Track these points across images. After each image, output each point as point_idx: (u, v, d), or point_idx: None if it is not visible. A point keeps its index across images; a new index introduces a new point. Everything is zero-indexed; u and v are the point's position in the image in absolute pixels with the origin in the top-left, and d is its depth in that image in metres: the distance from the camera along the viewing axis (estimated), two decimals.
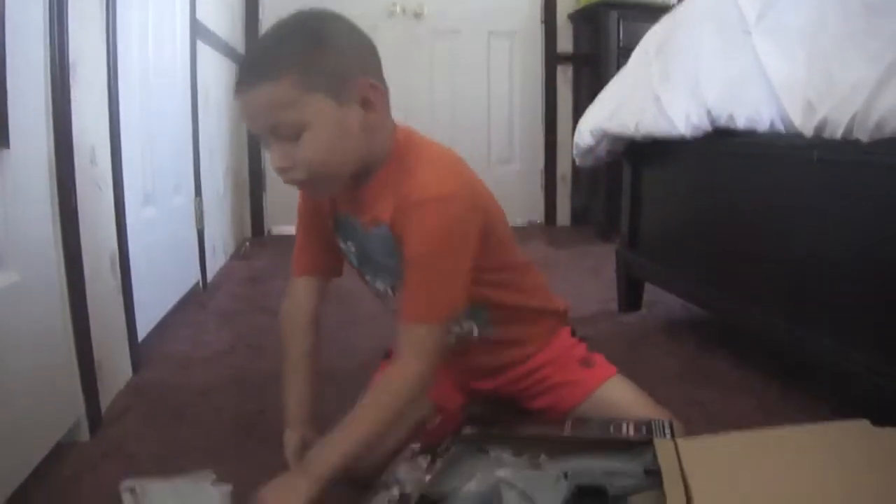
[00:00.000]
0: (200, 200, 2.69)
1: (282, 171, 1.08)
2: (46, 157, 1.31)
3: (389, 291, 1.25)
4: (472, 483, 1.06)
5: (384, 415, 1.09)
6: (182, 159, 2.51)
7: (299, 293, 1.32)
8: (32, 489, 1.21)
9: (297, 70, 1.02)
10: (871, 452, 1.02)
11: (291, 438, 1.23)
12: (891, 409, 1.20)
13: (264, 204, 4.08)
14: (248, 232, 3.99)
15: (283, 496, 1.03)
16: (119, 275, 1.70)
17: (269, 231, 4.09)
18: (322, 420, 1.28)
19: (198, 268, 2.66)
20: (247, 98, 1.06)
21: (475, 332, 1.29)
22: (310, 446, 1.16)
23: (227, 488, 1.16)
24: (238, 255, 3.50)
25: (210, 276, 2.83)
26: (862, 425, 1.07)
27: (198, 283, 2.64)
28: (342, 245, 1.27)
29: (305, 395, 1.28)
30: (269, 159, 1.12)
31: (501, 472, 1.07)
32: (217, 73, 3.15)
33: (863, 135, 1.21)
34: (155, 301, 2.05)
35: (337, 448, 1.06)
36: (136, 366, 1.78)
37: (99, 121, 1.61)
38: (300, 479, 1.04)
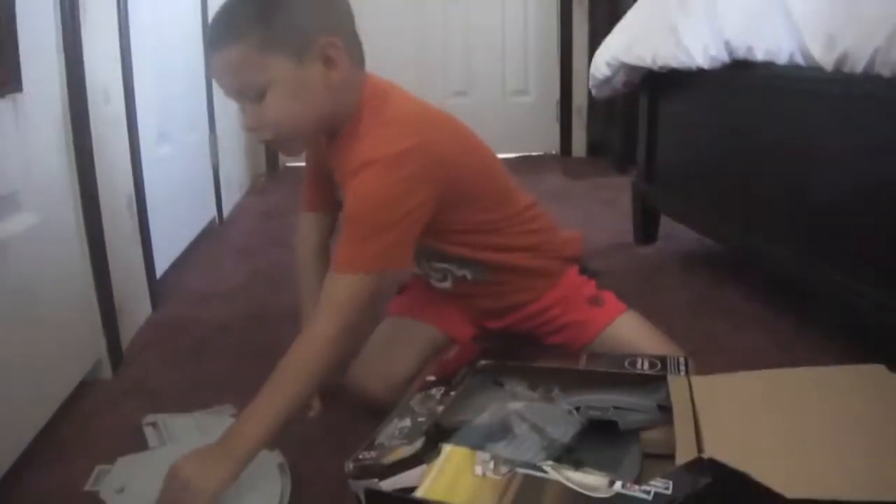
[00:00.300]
0: (215, 136, 2.69)
1: (250, 130, 1.11)
2: (60, 99, 1.31)
3: None
4: (485, 415, 1.08)
5: (298, 388, 1.05)
6: (195, 95, 2.51)
7: (306, 228, 1.39)
8: (58, 426, 1.24)
9: (257, 32, 1.03)
10: (885, 398, 1.02)
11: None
12: None
13: None
14: (263, 167, 3.98)
15: (201, 481, 0.94)
16: (136, 213, 1.71)
17: (283, 165, 4.08)
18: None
19: (213, 204, 2.67)
20: (213, 61, 1.08)
21: (469, 277, 1.29)
22: (335, 383, 1.22)
23: None
24: (253, 190, 3.50)
25: (226, 211, 2.84)
26: (878, 370, 1.07)
27: (214, 219, 2.66)
28: (338, 195, 1.25)
29: None
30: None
31: (513, 405, 1.09)
32: None
33: (885, 70, 1.19)
34: (172, 238, 2.06)
35: (253, 428, 0.99)
36: (154, 303, 1.80)
37: (111, 60, 1.60)
38: (219, 462, 0.96)
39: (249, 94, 1.07)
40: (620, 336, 1.30)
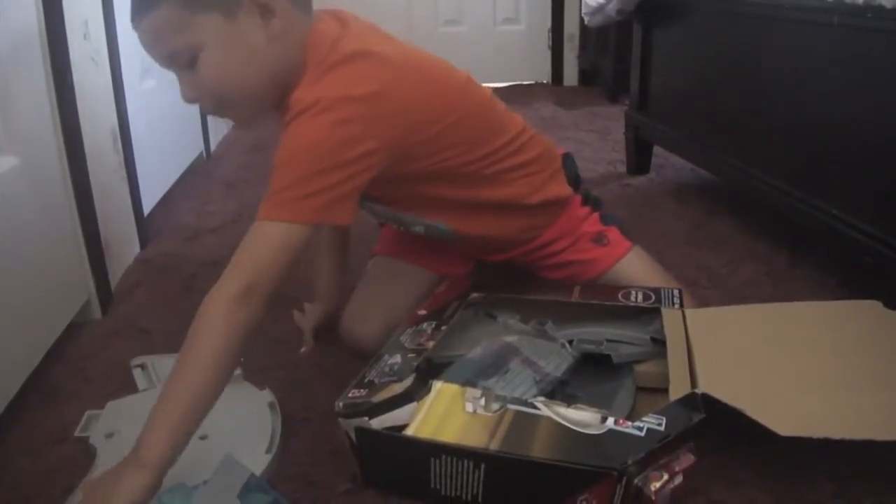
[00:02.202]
0: None
1: (189, 101, 1.02)
2: (38, 36, 1.26)
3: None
4: (477, 349, 1.07)
5: (200, 375, 0.89)
6: None
7: None
8: (49, 369, 1.23)
9: None
10: (881, 334, 1.02)
11: (316, 309, 1.30)
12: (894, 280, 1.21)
13: None
14: None
15: (114, 497, 0.80)
16: (121, 150, 1.67)
17: None
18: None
19: (201, 138, 2.62)
20: (138, 31, 0.99)
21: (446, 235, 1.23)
22: (332, 322, 1.24)
23: None
24: None
25: (213, 145, 2.80)
26: (874, 306, 1.07)
27: (201, 154, 2.62)
28: None
29: (336, 276, 1.34)
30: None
31: (506, 339, 1.09)
32: None
33: (887, 1, 1.17)
34: (159, 174, 2.03)
35: (161, 431, 0.86)
36: (143, 241, 1.78)
37: None
38: (133, 474, 0.82)
39: (181, 61, 0.98)
40: (624, 277, 1.27)
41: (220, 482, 0.82)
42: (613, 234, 1.32)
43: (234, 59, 0.98)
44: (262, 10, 0.98)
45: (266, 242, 0.96)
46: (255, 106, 1.06)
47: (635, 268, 1.29)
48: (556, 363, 1.04)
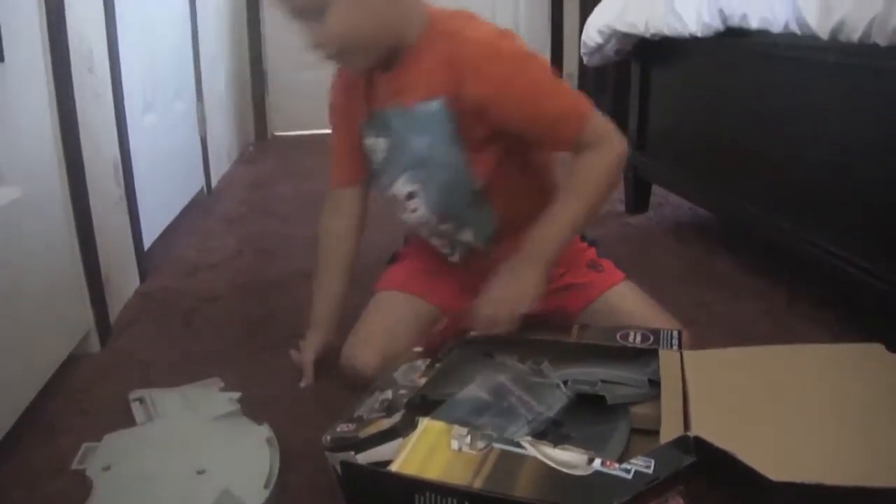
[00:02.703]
0: (202, 105, 2.66)
1: (314, 48, 1.12)
2: (44, 68, 1.28)
3: (406, 193, 1.24)
4: (472, 386, 1.07)
5: (592, 196, 1.15)
6: (182, 63, 2.47)
7: (344, 206, 1.35)
8: (46, 402, 1.23)
9: None
10: (882, 379, 1.01)
11: (314, 339, 1.30)
12: (894, 317, 1.20)
13: (266, 106, 4.03)
14: (252, 136, 3.96)
15: (518, 291, 1.12)
16: (123, 184, 1.69)
17: (272, 134, 4.05)
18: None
19: (202, 173, 2.65)
20: None
21: (485, 245, 1.28)
22: (331, 350, 1.25)
23: (234, 395, 1.18)
24: (242, 159, 3.48)
25: (214, 181, 2.82)
26: (876, 349, 1.06)
27: (202, 189, 2.64)
28: (370, 142, 1.26)
29: (337, 304, 1.34)
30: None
31: (501, 377, 1.08)
32: None
33: (881, 39, 1.18)
34: (160, 208, 2.04)
35: (554, 232, 1.12)
36: (143, 274, 1.79)
37: (95, 27, 1.57)
38: (526, 268, 1.12)
39: (310, 13, 1.08)
40: (616, 303, 1.28)
41: None
42: (607, 264, 1.35)
43: (360, 12, 1.09)
44: None
45: (604, 128, 1.16)
46: (369, 57, 1.16)
47: (628, 297, 1.30)
48: (550, 403, 1.03)
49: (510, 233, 1.23)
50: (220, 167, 2.98)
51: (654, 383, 1.04)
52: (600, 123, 1.15)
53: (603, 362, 1.13)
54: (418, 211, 1.25)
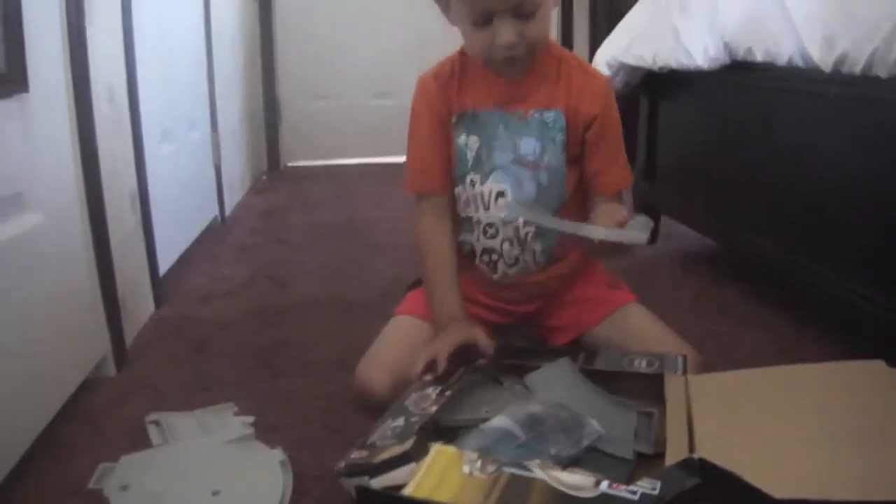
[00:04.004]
0: (217, 135, 2.70)
1: (510, 46, 1.18)
2: (65, 99, 1.32)
3: (496, 191, 1.29)
4: (502, 416, 1.07)
5: None
6: (197, 94, 2.52)
7: (436, 214, 1.33)
8: (62, 424, 1.25)
9: None
10: (884, 394, 1.02)
11: (442, 352, 1.19)
12: None
13: (279, 137, 4.08)
14: (265, 165, 4.00)
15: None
16: (139, 212, 1.72)
17: (284, 164, 4.09)
18: (343, 362, 1.32)
19: (216, 202, 2.68)
20: None
21: (538, 263, 1.34)
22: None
23: (248, 419, 1.20)
24: (255, 188, 3.52)
25: (228, 210, 2.86)
26: (877, 366, 1.07)
27: (216, 218, 2.67)
28: (461, 140, 1.30)
29: (454, 294, 1.29)
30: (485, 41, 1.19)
31: (531, 409, 1.08)
32: (230, 5, 3.13)
33: (882, 71, 1.21)
34: (175, 236, 2.08)
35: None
36: (158, 301, 1.81)
37: (115, 59, 1.61)
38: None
39: (526, 10, 1.16)
40: (629, 321, 1.32)
41: None
42: (623, 286, 1.41)
43: (548, 22, 1.22)
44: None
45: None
46: (531, 61, 1.25)
47: (640, 317, 1.34)
48: (577, 439, 1.02)
49: (558, 258, 1.34)
50: (233, 196, 3.02)
51: (642, 456, 1.04)
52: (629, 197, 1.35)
53: (600, 405, 1.12)
54: (505, 213, 1.31)
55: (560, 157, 1.28)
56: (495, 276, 1.35)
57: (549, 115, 1.27)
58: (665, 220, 2.32)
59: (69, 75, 1.32)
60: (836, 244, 1.41)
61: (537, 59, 1.26)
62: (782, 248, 1.57)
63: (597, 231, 1.14)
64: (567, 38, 4.03)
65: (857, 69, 1.26)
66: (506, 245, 1.32)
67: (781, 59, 1.49)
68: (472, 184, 1.31)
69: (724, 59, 1.71)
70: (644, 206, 2.16)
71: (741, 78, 1.71)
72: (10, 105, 1.12)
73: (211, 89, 2.64)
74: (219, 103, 2.73)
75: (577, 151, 1.29)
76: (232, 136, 3.07)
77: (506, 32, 1.16)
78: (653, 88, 2.20)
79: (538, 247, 1.32)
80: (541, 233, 1.30)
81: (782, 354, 1.48)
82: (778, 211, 1.61)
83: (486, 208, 1.31)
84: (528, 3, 1.15)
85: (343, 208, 2.96)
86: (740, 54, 1.64)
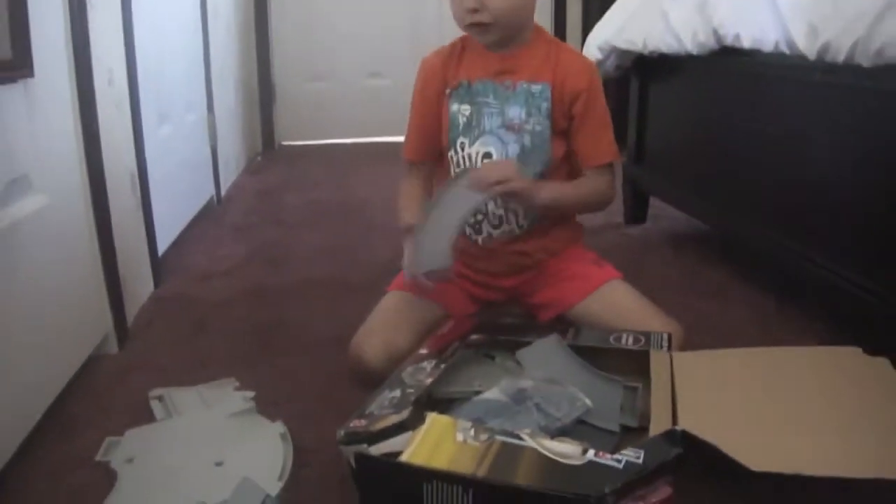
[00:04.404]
0: (213, 117, 2.73)
1: (471, 12, 1.31)
2: (68, 83, 1.34)
3: (483, 153, 1.41)
4: (494, 390, 1.12)
5: (589, 200, 1.45)
6: (194, 76, 2.54)
7: (419, 177, 1.52)
8: (68, 400, 1.29)
9: None
10: (859, 379, 1.07)
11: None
12: (877, 327, 1.26)
13: (274, 117, 4.10)
14: (259, 146, 4.02)
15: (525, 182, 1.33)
16: (139, 192, 1.75)
17: (279, 144, 4.12)
18: (341, 339, 1.36)
19: (212, 183, 2.71)
20: None
21: (521, 228, 1.44)
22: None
23: (249, 394, 1.24)
24: (250, 169, 3.54)
25: (224, 190, 2.89)
26: (853, 353, 1.12)
27: (212, 198, 2.70)
28: (454, 108, 1.42)
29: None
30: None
31: (522, 383, 1.13)
32: None
33: (864, 60, 1.24)
34: (172, 217, 2.11)
35: (556, 190, 1.39)
36: (157, 280, 1.85)
37: (114, 42, 1.64)
38: (533, 188, 1.33)
39: None
40: (612, 298, 1.38)
41: (237, 501, 0.88)
42: (607, 264, 1.47)
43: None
44: None
45: (611, 176, 1.44)
46: (501, 34, 1.37)
47: (624, 293, 1.40)
48: (567, 411, 1.07)
49: (541, 228, 1.45)
50: (229, 177, 3.05)
51: (627, 428, 1.09)
52: (611, 173, 1.44)
53: (588, 380, 1.17)
54: None
55: (544, 122, 1.38)
56: (480, 239, 1.43)
57: (537, 87, 1.38)
58: (654, 202, 2.36)
59: (71, 60, 1.35)
60: (820, 226, 1.45)
61: (530, 41, 1.40)
62: (767, 229, 1.61)
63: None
64: (560, 22, 4.06)
65: (840, 58, 1.29)
66: (490, 204, 1.40)
67: (768, 46, 1.52)
68: (462, 146, 1.42)
69: (712, 44, 1.74)
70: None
71: (729, 63, 1.74)
72: (15, 89, 1.15)
73: (207, 71, 2.67)
74: (214, 85, 2.76)
75: (563, 124, 1.40)
76: (228, 117, 3.09)
77: (465, 0, 1.30)
78: (643, 72, 2.24)
79: (520, 209, 1.41)
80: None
81: (764, 333, 1.53)
82: (764, 194, 1.65)
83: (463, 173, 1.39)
84: None
85: (338, 188, 2.99)
86: (728, 40, 1.67)
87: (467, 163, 1.42)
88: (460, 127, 1.42)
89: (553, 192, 1.38)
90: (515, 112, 1.39)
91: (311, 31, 4.07)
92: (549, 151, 1.40)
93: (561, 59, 1.40)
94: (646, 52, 2.04)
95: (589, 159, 1.42)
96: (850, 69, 1.29)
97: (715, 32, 1.71)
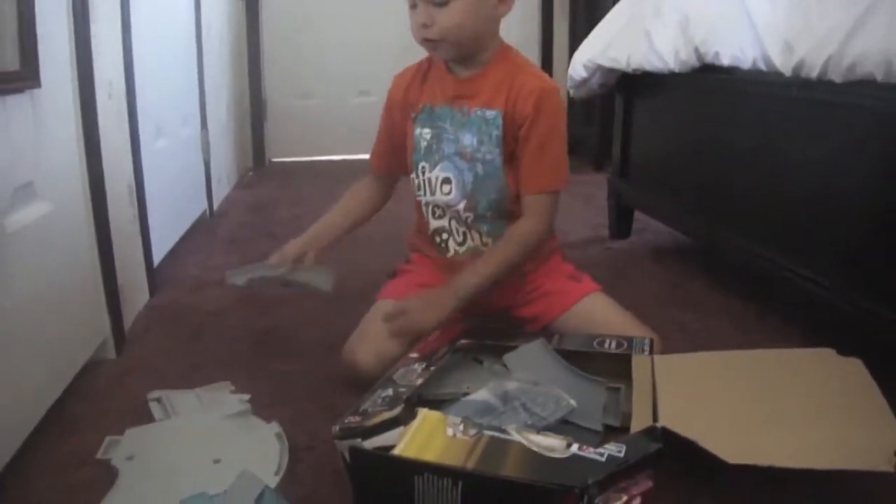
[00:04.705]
0: (206, 132, 2.77)
1: (422, 27, 1.33)
2: (72, 94, 1.38)
3: (438, 184, 1.44)
4: (482, 391, 1.16)
5: (512, 257, 1.37)
6: (189, 92, 2.58)
7: (374, 186, 1.58)
8: (69, 401, 1.32)
9: None
10: (831, 378, 1.12)
11: (294, 245, 1.47)
12: (852, 331, 1.31)
13: (265, 134, 4.15)
14: (250, 162, 4.06)
15: (431, 308, 1.33)
16: (136, 204, 1.79)
17: (269, 161, 4.16)
18: (333, 346, 1.40)
19: (205, 197, 2.75)
20: None
21: (489, 242, 1.45)
22: (301, 261, 1.44)
23: (244, 396, 1.28)
24: (241, 184, 3.58)
25: (216, 204, 2.92)
26: (827, 353, 1.17)
27: (205, 212, 2.74)
28: (417, 132, 1.45)
29: (328, 228, 1.53)
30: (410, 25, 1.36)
31: (509, 385, 1.17)
32: (218, 5, 3.20)
33: (836, 76, 1.29)
34: (167, 228, 2.14)
35: (475, 277, 1.35)
36: (152, 289, 1.88)
37: (115, 57, 1.68)
38: (445, 297, 1.34)
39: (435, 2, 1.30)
40: (592, 310, 1.42)
41: (237, 492, 0.92)
42: (585, 277, 1.50)
43: (472, 14, 1.32)
44: None
45: (548, 207, 1.40)
46: (456, 53, 1.38)
47: (602, 306, 1.43)
48: (552, 411, 1.11)
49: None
50: (221, 191, 3.08)
51: (609, 429, 1.13)
52: (552, 205, 1.41)
53: (572, 382, 1.21)
54: (451, 194, 1.43)
55: (495, 151, 1.39)
56: (449, 255, 1.47)
57: (491, 113, 1.38)
58: (639, 216, 2.41)
59: (75, 72, 1.39)
60: (797, 237, 1.50)
61: (492, 62, 1.40)
62: (748, 241, 1.66)
63: (280, 272, 1.39)
64: (547, 40, 4.13)
65: (814, 74, 1.35)
66: (453, 223, 1.46)
67: (746, 63, 1.58)
68: (423, 170, 1.45)
69: (693, 62, 1.80)
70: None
71: (710, 80, 1.80)
72: (23, 99, 1.19)
73: (201, 87, 2.71)
74: (208, 100, 2.80)
75: (510, 149, 1.40)
76: (220, 132, 3.13)
77: (417, 16, 1.33)
78: (627, 89, 2.29)
79: (483, 228, 1.44)
80: (480, 215, 1.43)
81: (745, 342, 1.56)
82: (745, 207, 1.71)
83: (433, 193, 1.45)
84: None
85: (327, 203, 2.94)
86: (709, 58, 1.73)
87: (429, 187, 1.45)
88: (422, 151, 1.45)
89: (470, 285, 1.35)
90: (468, 139, 1.40)
91: (301, 49, 4.12)
92: (503, 179, 1.40)
93: (515, 83, 1.37)
94: (630, 69, 2.09)
95: (523, 186, 1.39)
96: (823, 85, 1.34)
97: (696, 51, 1.77)
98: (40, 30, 1.21)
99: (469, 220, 1.44)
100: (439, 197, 1.44)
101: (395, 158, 1.52)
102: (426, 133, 1.44)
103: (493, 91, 1.38)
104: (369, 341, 1.35)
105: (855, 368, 1.12)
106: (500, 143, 1.38)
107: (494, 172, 1.40)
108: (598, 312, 1.41)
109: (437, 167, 1.43)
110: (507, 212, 1.42)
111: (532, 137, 1.36)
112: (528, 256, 1.40)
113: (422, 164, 1.45)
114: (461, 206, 1.43)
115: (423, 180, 1.46)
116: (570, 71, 2.36)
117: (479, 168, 1.40)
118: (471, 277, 1.35)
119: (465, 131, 1.40)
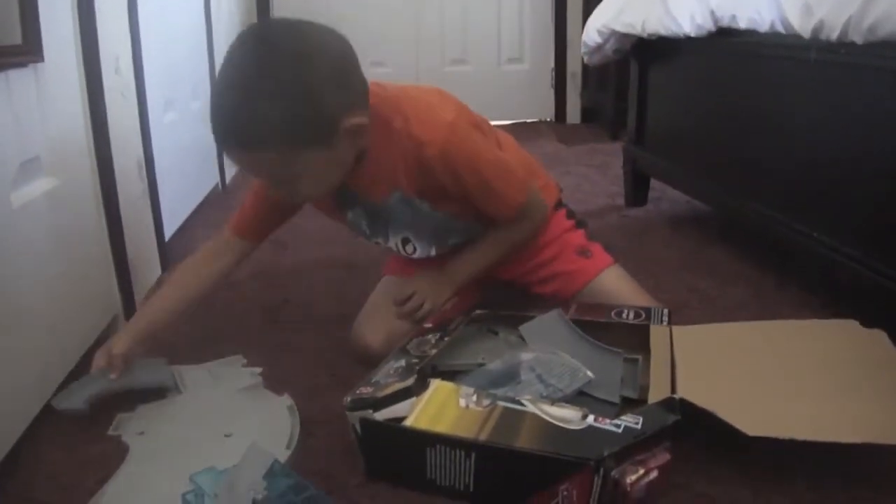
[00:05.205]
0: None
1: (285, 198, 1.25)
2: (76, 69, 1.37)
3: (400, 246, 1.38)
4: (497, 362, 1.15)
5: (515, 236, 1.35)
6: (198, 63, 2.56)
7: (225, 253, 1.38)
8: (79, 377, 1.30)
9: (285, 139, 1.06)
10: (854, 350, 1.10)
11: (121, 342, 1.25)
12: (874, 301, 1.28)
13: None
14: None
15: (439, 288, 1.34)
16: (146, 178, 1.77)
17: None
18: (347, 317, 1.38)
19: (216, 170, 2.73)
20: (236, 157, 1.14)
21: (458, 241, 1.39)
22: (125, 358, 1.22)
23: (256, 370, 1.27)
24: None
25: (228, 177, 2.91)
26: (850, 325, 1.15)
27: (217, 185, 2.72)
28: (348, 215, 1.35)
29: (161, 314, 1.32)
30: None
31: (524, 355, 1.16)
32: None
33: (857, 37, 1.26)
34: (178, 203, 2.13)
35: (472, 263, 1.35)
36: (164, 264, 1.87)
37: (121, 30, 1.66)
38: (445, 283, 1.34)
39: (283, 181, 1.15)
40: (606, 288, 1.39)
41: (247, 466, 0.91)
42: (596, 248, 1.45)
43: (330, 175, 1.17)
44: (354, 133, 1.12)
45: (528, 211, 1.33)
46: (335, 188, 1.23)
47: (616, 282, 1.40)
48: (568, 382, 1.10)
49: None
50: (233, 165, 3.06)
51: (627, 400, 1.12)
52: (532, 202, 1.33)
53: (589, 353, 1.20)
54: (417, 251, 1.38)
55: (434, 214, 1.29)
56: (415, 256, 1.40)
57: (394, 197, 1.26)
58: (655, 184, 2.38)
59: (80, 46, 1.37)
60: (818, 203, 1.47)
61: (375, 147, 1.19)
62: (767, 208, 1.63)
63: (120, 382, 1.20)
64: (561, 7, 4.08)
65: (834, 35, 1.31)
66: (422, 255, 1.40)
67: (763, 26, 1.54)
68: (379, 243, 1.39)
69: (709, 26, 1.76)
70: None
71: (727, 44, 1.76)
72: (26, 73, 1.17)
73: (211, 59, 2.68)
74: (218, 71, 2.77)
75: (453, 195, 1.25)
76: None
77: (278, 193, 1.22)
78: (642, 55, 2.25)
79: (454, 241, 1.39)
80: (452, 248, 1.39)
81: (763, 309, 1.55)
82: (763, 173, 1.67)
83: (398, 252, 1.40)
84: (280, 178, 1.14)
85: None
86: (725, 21, 1.69)
87: (390, 250, 1.41)
88: (367, 231, 1.37)
89: (463, 272, 1.35)
90: (404, 215, 1.30)
91: (312, 17, 4.08)
92: (464, 221, 1.34)
93: (408, 157, 1.20)
94: (644, 35, 2.05)
95: (495, 219, 1.33)
96: (844, 47, 1.31)
97: (712, 14, 1.73)
98: (42, 3, 1.20)
99: (442, 254, 1.39)
100: (404, 254, 1.40)
101: (274, 221, 1.39)
102: (359, 215, 1.34)
103: (389, 175, 1.23)
104: (376, 321, 1.34)
105: (879, 340, 1.10)
106: (432, 207, 1.28)
107: (447, 221, 1.33)
108: (612, 291, 1.38)
109: (392, 237, 1.37)
110: (480, 234, 1.38)
111: (468, 188, 1.23)
112: (523, 242, 1.38)
113: (375, 239, 1.39)
114: (431, 252, 1.38)
115: (386, 248, 1.41)
116: (584, 37, 2.32)
117: (437, 222, 1.32)
118: (474, 253, 1.35)
119: (395, 213, 1.30)
